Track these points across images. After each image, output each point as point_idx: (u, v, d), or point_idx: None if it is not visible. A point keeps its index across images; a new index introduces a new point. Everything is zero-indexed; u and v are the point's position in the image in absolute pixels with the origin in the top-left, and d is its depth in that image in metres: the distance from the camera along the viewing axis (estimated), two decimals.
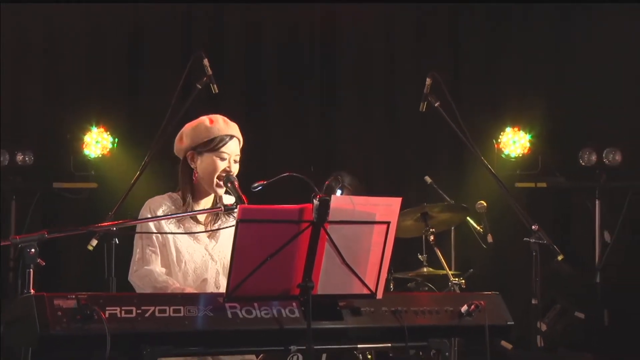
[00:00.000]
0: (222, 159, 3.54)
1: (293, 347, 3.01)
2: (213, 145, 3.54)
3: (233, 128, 3.60)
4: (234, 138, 3.57)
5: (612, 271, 6.90)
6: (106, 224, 3.41)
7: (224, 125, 3.57)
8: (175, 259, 3.51)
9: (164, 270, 3.49)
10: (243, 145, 3.63)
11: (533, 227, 4.34)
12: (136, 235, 3.52)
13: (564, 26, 7.18)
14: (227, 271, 2.91)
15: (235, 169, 3.56)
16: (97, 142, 6.72)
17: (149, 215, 3.48)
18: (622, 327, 6.78)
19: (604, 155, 6.88)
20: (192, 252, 3.54)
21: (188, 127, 3.61)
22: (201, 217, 3.61)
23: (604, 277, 6.89)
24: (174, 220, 3.53)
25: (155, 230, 3.48)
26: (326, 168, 5.84)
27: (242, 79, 7.13)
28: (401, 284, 5.65)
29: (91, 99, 6.91)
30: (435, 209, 5.47)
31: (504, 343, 6.06)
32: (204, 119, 3.59)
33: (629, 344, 6.71)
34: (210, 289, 3.51)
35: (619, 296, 6.86)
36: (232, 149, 3.56)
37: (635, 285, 6.93)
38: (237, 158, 3.59)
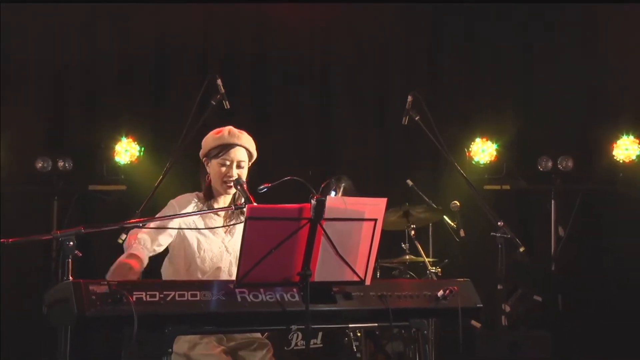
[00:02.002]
0: (224, 165, 3.52)
1: (293, 327, 2.99)
2: (216, 152, 3.53)
3: (238, 137, 3.56)
4: (237, 146, 3.53)
5: (565, 261, 6.89)
6: (134, 220, 3.39)
7: (227, 135, 3.54)
8: (196, 247, 3.49)
9: (136, 255, 3.38)
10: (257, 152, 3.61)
11: (499, 223, 4.32)
12: (159, 214, 3.46)
13: (526, 51, 7.18)
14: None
15: (238, 173, 3.51)
16: (126, 151, 6.71)
17: (176, 209, 3.45)
18: (573, 308, 6.77)
19: (558, 162, 6.87)
20: (211, 243, 3.52)
21: (204, 139, 3.62)
22: (220, 213, 3.59)
23: (558, 266, 6.88)
24: (200, 217, 3.52)
25: (177, 225, 3.47)
26: (323, 172, 5.82)
27: (250, 95, 7.11)
28: (386, 272, 5.63)
29: (121, 113, 6.89)
30: (416, 209, 5.46)
31: (474, 322, 6.04)
32: (215, 131, 3.59)
33: (579, 324, 6.70)
34: (224, 276, 3.49)
35: (570, 282, 6.85)
36: (234, 156, 3.52)
37: (584, 273, 6.92)
38: (243, 164, 3.54)
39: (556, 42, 7.06)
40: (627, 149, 6.74)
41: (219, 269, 3.51)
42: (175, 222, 3.46)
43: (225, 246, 3.55)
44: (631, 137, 6.74)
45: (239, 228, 3.52)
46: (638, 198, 6.60)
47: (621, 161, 6.75)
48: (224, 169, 3.52)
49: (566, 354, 6.45)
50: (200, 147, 3.64)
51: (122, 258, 3.36)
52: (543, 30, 7.12)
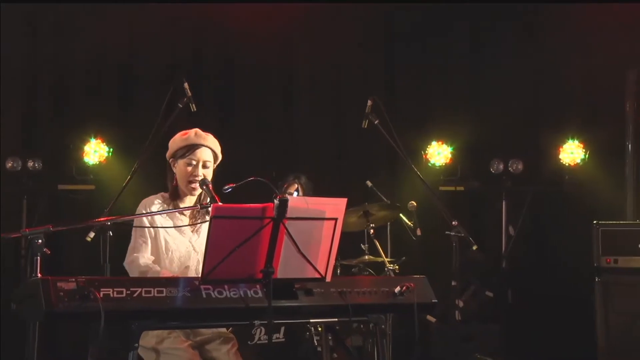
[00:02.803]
0: (190, 165, 3.51)
1: (257, 322, 2.98)
2: (183, 152, 3.52)
3: (204, 139, 3.56)
4: (203, 147, 3.53)
5: (515, 258, 6.97)
6: (102, 219, 3.35)
7: (194, 136, 3.54)
8: (164, 248, 3.47)
9: (152, 258, 3.44)
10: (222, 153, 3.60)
11: (453, 222, 4.36)
12: (133, 231, 3.48)
13: (477, 58, 7.25)
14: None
15: (205, 173, 3.51)
16: (95, 151, 6.60)
17: (144, 211, 3.44)
18: (523, 303, 6.85)
19: (509, 164, 6.94)
20: (179, 243, 3.50)
21: (170, 140, 3.60)
22: (187, 213, 3.56)
23: (508, 263, 6.95)
24: (165, 215, 3.48)
25: (147, 225, 3.44)
26: (286, 173, 5.81)
27: (215, 98, 7.06)
28: (347, 270, 5.64)
29: (90, 115, 6.78)
30: (375, 207, 5.48)
31: (429, 317, 6.08)
32: (182, 132, 3.57)
33: (528, 317, 6.79)
34: (192, 274, 3.46)
35: (520, 279, 6.94)
36: (200, 156, 3.52)
37: (532, 269, 7.01)
38: (208, 164, 3.54)
39: (505, 49, 7.13)
40: (572, 153, 6.85)
41: (187, 268, 3.49)
42: (146, 222, 3.44)
43: (193, 245, 3.52)
44: (576, 142, 6.85)
45: (205, 227, 3.49)
46: (582, 199, 6.70)
47: (567, 164, 6.86)
48: (190, 168, 3.50)
49: (515, 346, 6.53)
50: (167, 149, 3.60)
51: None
52: (493, 36, 7.19)
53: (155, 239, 3.46)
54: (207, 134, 3.59)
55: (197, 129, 3.58)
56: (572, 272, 6.58)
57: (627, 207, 6.78)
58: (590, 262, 5.68)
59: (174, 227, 3.48)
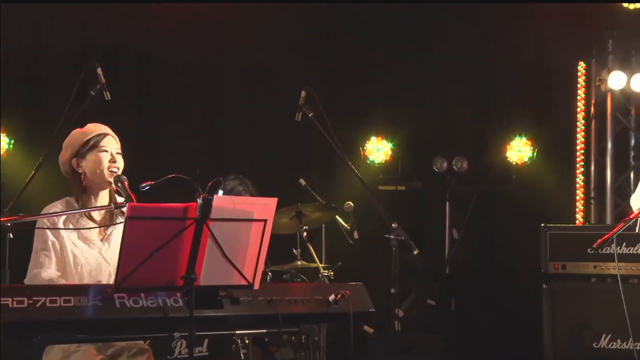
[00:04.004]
0: (104, 152, 3.50)
1: (177, 334, 2.95)
2: (92, 143, 3.51)
3: (104, 128, 3.58)
4: (108, 135, 3.56)
5: (458, 263, 7.09)
6: (1, 219, 3.26)
7: (94, 127, 3.56)
8: (72, 262, 3.40)
9: (58, 274, 3.37)
10: (129, 149, 3.57)
11: (393, 225, 4.40)
12: (34, 242, 3.40)
13: (420, 51, 7.35)
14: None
15: (120, 161, 3.52)
16: None
17: (47, 221, 3.37)
18: (467, 311, 6.98)
19: (453, 162, 7.05)
20: (88, 256, 3.44)
21: (65, 142, 3.57)
22: (96, 218, 3.51)
23: (452, 268, 7.07)
24: (71, 224, 3.42)
25: (51, 235, 3.36)
26: (212, 170, 5.76)
27: (135, 86, 6.95)
28: (278, 276, 5.63)
29: None
30: (308, 208, 5.48)
31: (366, 327, 6.13)
32: (77, 129, 3.57)
33: (472, 326, 6.92)
34: None
35: (464, 285, 7.06)
36: (110, 145, 3.53)
37: (477, 275, 7.15)
38: (119, 151, 3.55)
39: (450, 43, 7.27)
40: (519, 151, 7.01)
41: (99, 282, 3.43)
42: (50, 237, 3.36)
43: (103, 256, 3.46)
44: (524, 139, 7.01)
45: (117, 236, 3.44)
46: (530, 200, 6.87)
47: (514, 163, 7.02)
48: (104, 155, 3.48)
49: (458, 357, 6.64)
50: None
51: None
52: (437, 31, 7.31)
53: (62, 254, 3.39)
54: (103, 125, 3.60)
55: (92, 123, 3.58)
56: (519, 278, 6.74)
57: (576, 209, 7.01)
58: (538, 268, 5.84)
59: (83, 228, 3.41)
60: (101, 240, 3.49)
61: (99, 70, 4.15)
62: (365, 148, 6.96)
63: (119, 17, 6.79)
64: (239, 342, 4.51)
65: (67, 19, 6.73)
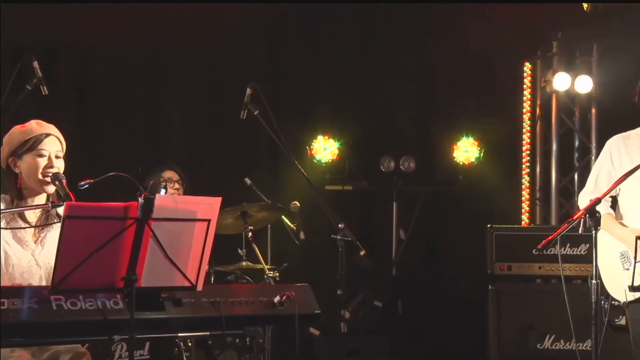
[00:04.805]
0: (42, 156, 3.40)
1: (117, 337, 2.92)
2: (30, 144, 3.40)
3: (48, 128, 3.47)
4: (50, 136, 3.45)
5: (405, 265, 7.15)
6: None
7: (37, 126, 3.45)
8: (3, 262, 3.31)
9: None
10: (68, 146, 3.49)
11: (340, 225, 4.41)
12: None
13: (367, 50, 7.39)
14: (51, 277, 2.78)
15: (58, 164, 3.43)
16: None
17: None
18: (414, 313, 7.04)
19: (400, 162, 7.11)
20: (20, 256, 3.36)
21: (4, 139, 3.47)
22: (31, 219, 3.43)
23: (399, 269, 7.12)
24: (5, 223, 3.33)
25: None
26: (153, 168, 5.69)
27: (74, 82, 6.83)
28: (221, 277, 5.60)
29: None
30: (254, 208, 5.47)
31: (312, 329, 6.13)
32: (18, 126, 3.47)
33: (419, 328, 6.98)
34: None
35: (411, 286, 7.12)
36: (50, 146, 3.43)
37: (424, 276, 7.22)
38: (60, 154, 3.45)
39: (395, 43, 7.32)
40: (466, 151, 7.10)
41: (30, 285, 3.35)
42: None
43: (36, 259, 3.39)
44: (471, 139, 7.10)
45: (52, 238, 3.38)
46: (477, 200, 6.96)
47: (461, 163, 7.10)
48: (41, 160, 3.39)
49: (404, 358, 6.69)
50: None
51: None
52: (382, 30, 7.35)
53: None
54: (48, 124, 3.50)
55: (36, 120, 3.49)
56: (465, 279, 6.82)
57: (521, 210, 7.13)
58: (484, 269, 5.92)
59: (15, 228, 3.33)
60: (35, 242, 3.41)
61: (36, 64, 4.08)
62: (311, 147, 6.96)
63: (58, 11, 6.66)
64: (182, 345, 4.45)
65: (5, 14, 6.57)
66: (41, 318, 2.75)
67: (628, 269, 3.72)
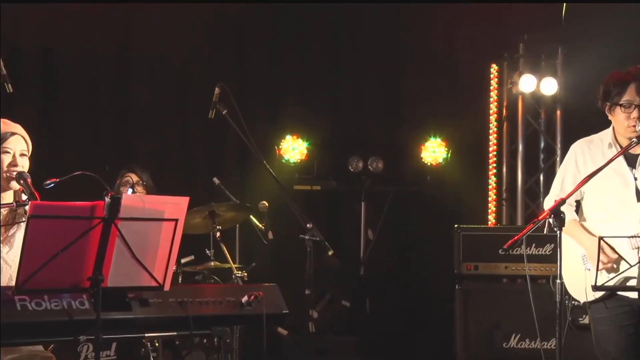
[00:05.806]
0: (6, 153, 3.38)
1: (82, 337, 2.89)
2: None
3: (13, 127, 3.46)
4: (16, 135, 3.43)
5: (373, 264, 7.17)
6: None
7: (2, 125, 3.43)
8: None
9: None
10: (34, 145, 3.46)
11: (308, 225, 4.42)
12: None
13: (334, 51, 7.40)
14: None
15: (23, 163, 3.40)
16: None
17: None
18: (381, 313, 7.06)
19: (368, 163, 7.13)
20: None
21: None
22: None
23: (367, 269, 7.14)
24: None
25: None
26: (121, 168, 5.65)
27: (39, 80, 6.75)
28: (189, 277, 5.57)
29: None
30: (222, 207, 5.45)
31: (280, 329, 6.12)
32: None
33: (387, 328, 7.01)
34: None
35: (379, 286, 7.15)
36: (15, 145, 3.41)
37: (392, 276, 7.25)
38: (25, 153, 3.43)
39: (362, 43, 7.34)
40: (434, 152, 7.14)
41: None
42: None
43: (5, 259, 3.35)
44: (438, 140, 7.14)
45: (19, 237, 3.33)
46: (444, 200, 7.00)
47: (429, 164, 7.14)
48: (5, 157, 3.36)
49: (372, 358, 6.71)
50: None
51: None
52: (349, 30, 7.37)
53: None
54: (14, 123, 3.48)
55: (2, 119, 3.45)
56: (433, 279, 6.87)
57: (488, 210, 7.19)
58: (451, 268, 5.96)
59: None
60: (3, 242, 3.38)
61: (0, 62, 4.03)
62: (280, 147, 6.95)
63: (24, 9, 6.58)
64: (149, 345, 4.43)
65: None
66: (5, 319, 2.72)
67: (589, 270, 3.76)
